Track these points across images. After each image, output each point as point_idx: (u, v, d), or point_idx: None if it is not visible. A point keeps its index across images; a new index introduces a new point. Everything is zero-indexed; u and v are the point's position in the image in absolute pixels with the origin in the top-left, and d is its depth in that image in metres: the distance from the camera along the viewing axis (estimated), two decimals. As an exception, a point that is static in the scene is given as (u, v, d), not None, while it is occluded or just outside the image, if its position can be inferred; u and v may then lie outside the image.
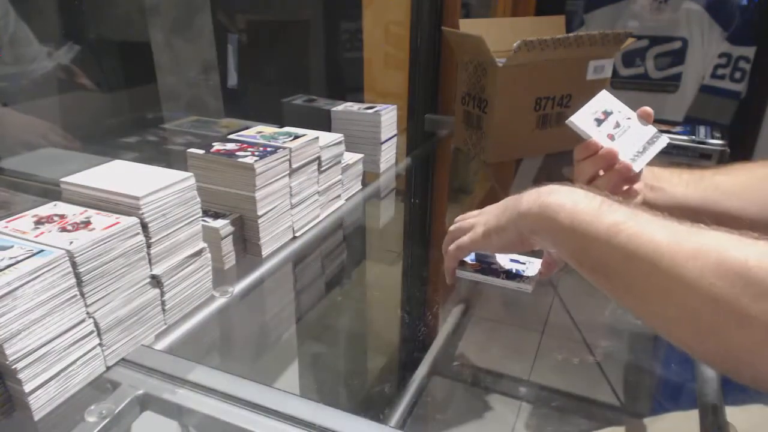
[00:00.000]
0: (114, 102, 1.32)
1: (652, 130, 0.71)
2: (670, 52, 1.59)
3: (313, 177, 0.83)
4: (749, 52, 1.51)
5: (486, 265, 0.75)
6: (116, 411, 0.49)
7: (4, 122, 1.08)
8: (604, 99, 0.72)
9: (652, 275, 0.40)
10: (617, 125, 0.70)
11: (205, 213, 0.73)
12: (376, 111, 1.04)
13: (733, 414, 0.49)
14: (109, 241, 0.52)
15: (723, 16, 1.53)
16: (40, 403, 0.49)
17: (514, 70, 1.06)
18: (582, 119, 0.70)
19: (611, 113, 0.71)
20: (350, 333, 0.80)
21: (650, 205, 0.52)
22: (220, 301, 0.67)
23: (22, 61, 1.10)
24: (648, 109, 0.70)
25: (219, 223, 0.71)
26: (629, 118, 0.71)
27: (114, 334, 0.55)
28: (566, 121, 0.70)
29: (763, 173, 0.66)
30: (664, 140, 0.70)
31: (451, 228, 0.66)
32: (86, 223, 0.53)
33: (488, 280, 0.73)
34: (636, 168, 0.67)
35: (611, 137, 0.69)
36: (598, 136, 0.68)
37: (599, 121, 0.70)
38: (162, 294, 0.60)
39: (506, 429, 0.66)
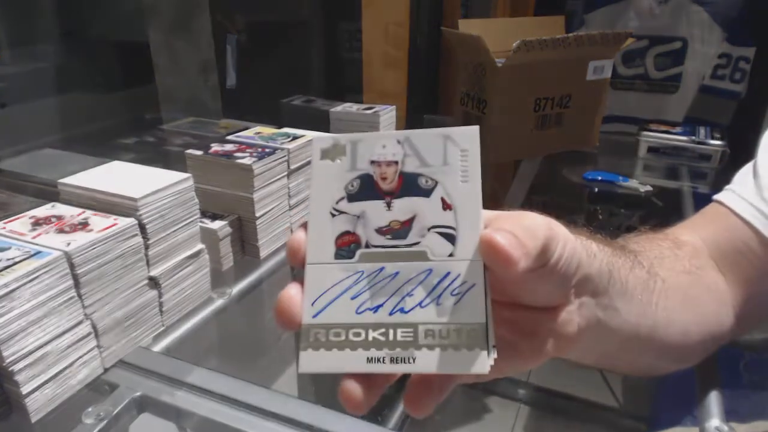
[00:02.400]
0: (112, 103, 1.31)
1: (479, 308, 0.27)
2: (670, 53, 1.59)
3: (312, 178, 0.83)
4: (749, 52, 1.51)
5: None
6: (114, 413, 0.49)
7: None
8: (445, 147, 0.29)
9: None
10: (396, 226, 0.29)
11: (203, 214, 0.73)
12: (375, 111, 1.04)
13: (736, 429, 0.49)
14: (106, 243, 0.52)
15: (723, 16, 1.52)
16: (38, 405, 0.48)
17: (514, 70, 1.06)
18: (332, 160, 0.30)
19: (414, 189, 0.29)
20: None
21: (595, 333, 0.36)
22: (218, 303, 0.67)
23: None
24: (505, 247, 0.26)
25: (217, 224, 0.71)
26: (446, 232, 0.28)
27: (112, 335, 0.55)
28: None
29: (710, 282, 0.49)
30: (476, 359, 0.26)
31: None
32: (84, 225, 0.53)
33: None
34: (309, 363, 0.28)
35: (349, 241, 0.29)
36: (320, 212, 0.30)
37: (366, 182, 0.30)
38: (160, 295, 0.60)
39: (505, 431, 0.66)
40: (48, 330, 0.48)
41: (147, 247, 0.57)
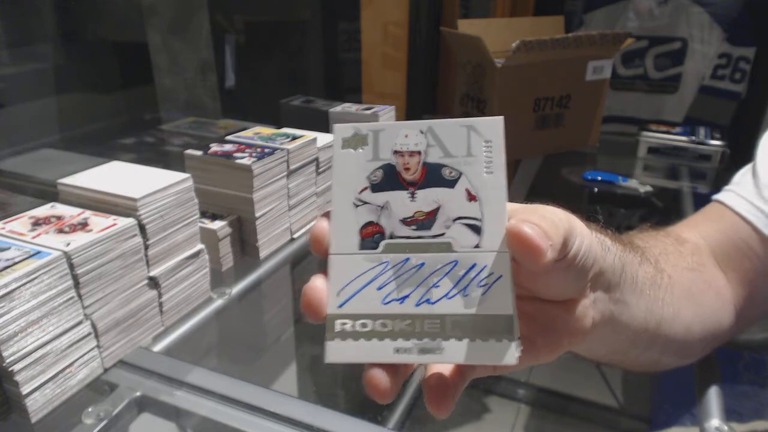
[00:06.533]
0: (111, 103, 1.31)
1: (506, 301, 0.27)
2: (670, 53, 1.59)
3: (311, 178, 0.83)
4: (749, 52, 1.51)
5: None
6: (114, 413, 0.49)
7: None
8: (469, 136, 0.29)
9: None
10: (420, 215, 0.29)
11: (203, 214, 0.73)
12: (374, 112, 1.04)
13: (735, 429, 0.49)
14: (106, 243, 0.52)
15: (723, 16, 1.52)
16: (37, 406, 0.48)
17: (513, 70, 1.06)
18: (355, 150, 0.30)
19: (438, 179, 0.29)
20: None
21: (608, 327, 0.36)
22: (217, 303, 0.67)
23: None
24: (534, 238, 0.27)
25: (217, 224, 0.71)
26: (473, 224, 0.28)
27: (111, 335, 0.55)
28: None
29: (712, 279, 0.50)
30: (505, 351, 0.27)
31: None
32: (83, 225, 0.53)
33: None
34: (337, 354, 0.28)
35: (373, 231, 0.29)
36: (344, 201, 0.29)
37: (389, 172, 0.29)
38: (159, 295, 0.59)
39: (505, 431, 0.66)
40: (48, 330, 0.48)
41: (147, 247, 0.57)
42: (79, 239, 0.50)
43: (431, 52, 1.48)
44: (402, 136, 0.29)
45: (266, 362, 0.69)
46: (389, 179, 0.29)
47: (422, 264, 0.28)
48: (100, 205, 0.57)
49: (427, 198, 0.29)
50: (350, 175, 0.29)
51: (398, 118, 1.10)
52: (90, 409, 0.49)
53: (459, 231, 0.28)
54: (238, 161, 0.71)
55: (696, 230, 0.53)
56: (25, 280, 0.45)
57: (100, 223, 0.54)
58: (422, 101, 1.49)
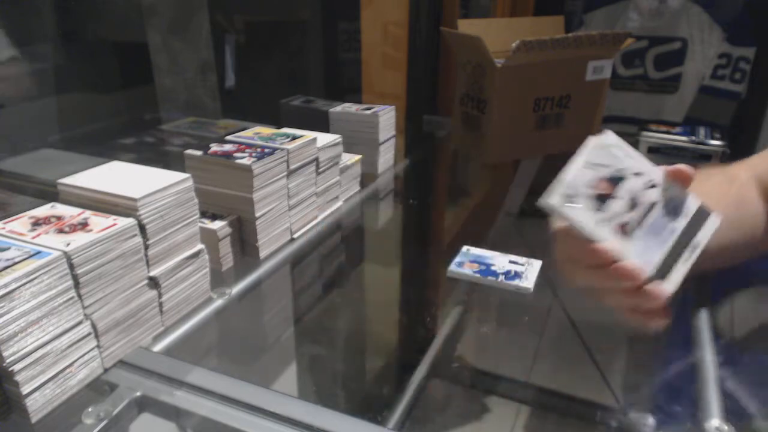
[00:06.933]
0: (111, 103, 1.31)
1: (692, 203, 0.50)
2: (670, 53, 1.59)
3: (311, 178, 0.83)
4: (749, 52, 1.51)
5: (485, 266, 0.75)
6: (114, 413, 0.49)
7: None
8: (607, 151, 0.48)
9: None
10: (633, 204, 0.48)
11: (203, 214, 0.73)
12: (374, 112, 1.04)
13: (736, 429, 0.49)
14: (106, 243, 0.52)
15: (723, 16, 1.52)
16: (37, 406, 0.48)
17: (513, 70, 1.06)
18: (573, 204, 0.47)
19: (621, 179, 0.48)
20: (348, 335, 0.80)
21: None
22: (217, 303, 0.67)
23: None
24: (683, 168, 0.49)
25: (217, 224, 0.71)
26: (651, 185, 0.48)
27: (112, 335, 0.55)
28: (540, 202, 0.46)
29: (751, 206, 0.62)
30: (713, 221, 0.50)
31: None
32: (83, 225, 0.53)
33: (487, 281, 0.73)
34: (670, 288, 0.47)
35: (623, 229, 0.47)
36: (600, 231, 0.45)
37: (600, 200, 0.47)
38: (160, 296, 0.59)
39: (505, 431, 0.66)
40: (48, 330, 0.48)
41: (147, 247, 0.57)
42: (79, 239, 0.50)
43: (431, 52, 1.48)
44: (581, 177, 0.46)
45: (266, 362, 0.69)
46: (601, 200, 0.46)
47: (653, 222, 0.47)
48: (100, 205, 0.57)
49: (623, 194, 0.47)
50: (584, 220, 0.45)
51: (398, 118, 1.10)
52: (90, 409, 0.49)
53: (650, 194, 0.47)
54: (238, 161, 0.71)
55: (753, 168, 0.65)
56: (25, 280, 0.45)
57: (100, 223, 0.54)
58: (422, 101, 1.49)
